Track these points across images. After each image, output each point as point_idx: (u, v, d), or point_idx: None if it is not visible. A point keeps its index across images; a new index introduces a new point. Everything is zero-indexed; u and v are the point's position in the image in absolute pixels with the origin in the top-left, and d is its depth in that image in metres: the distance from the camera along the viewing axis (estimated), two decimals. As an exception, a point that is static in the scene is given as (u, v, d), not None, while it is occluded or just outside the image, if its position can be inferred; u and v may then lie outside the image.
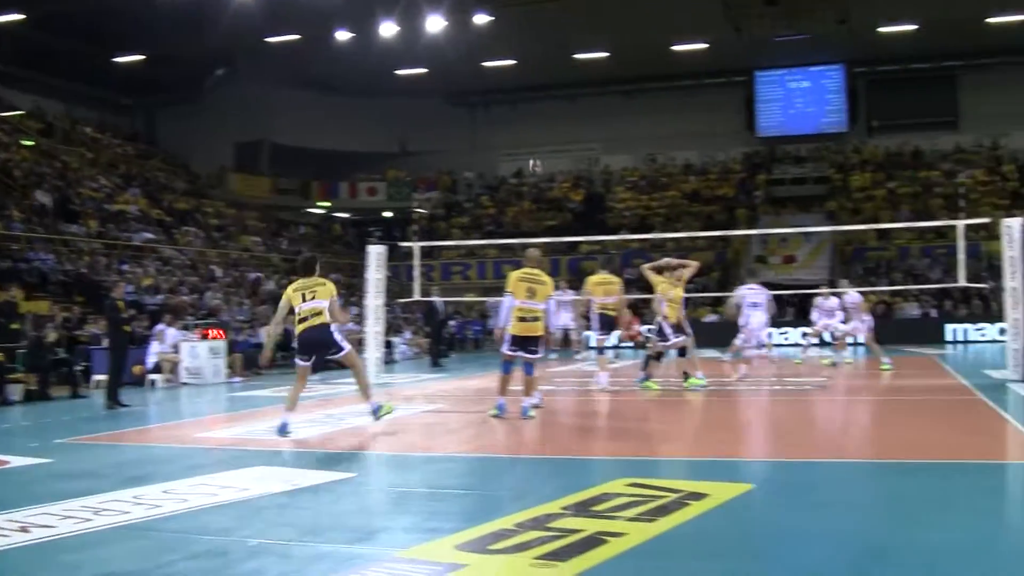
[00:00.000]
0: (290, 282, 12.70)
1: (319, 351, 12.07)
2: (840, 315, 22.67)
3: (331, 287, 11.99)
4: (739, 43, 43.53)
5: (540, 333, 13.09)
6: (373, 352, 21.36)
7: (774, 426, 13.13)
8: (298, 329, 11.88)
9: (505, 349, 13.19)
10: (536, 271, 13.22)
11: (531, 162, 28.97)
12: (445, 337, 32.60)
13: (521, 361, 13.23)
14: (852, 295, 22.39)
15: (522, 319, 12.92)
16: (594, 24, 41.64)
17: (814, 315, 23.51)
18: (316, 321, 11.67)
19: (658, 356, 18.01)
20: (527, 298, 12.91)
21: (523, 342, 13.03)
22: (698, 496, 7.50)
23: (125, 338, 18.51)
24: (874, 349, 22.37)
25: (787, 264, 40.16)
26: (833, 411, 13.99)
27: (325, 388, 19.82)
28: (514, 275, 13.24)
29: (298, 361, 12.07)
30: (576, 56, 44.44)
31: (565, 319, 26.11)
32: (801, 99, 49.23)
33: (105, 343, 22.49)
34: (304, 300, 11.75)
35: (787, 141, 49.87)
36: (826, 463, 9.67)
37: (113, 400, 16.76)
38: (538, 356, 13.30)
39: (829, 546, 6.36)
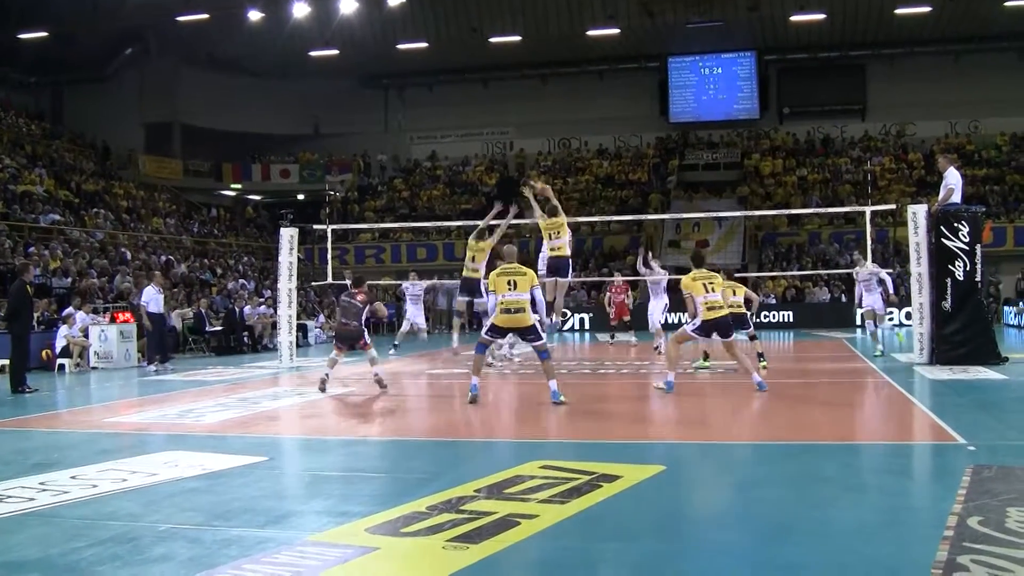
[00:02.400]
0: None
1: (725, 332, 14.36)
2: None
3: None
4: (652, 28, 43.89)
5: (529, 323, 13.18)
6: (286, 336, 21.22)
7: (686, 409, 13.26)
8: (708, 316, 13.91)
9: (484, 334, 13.50)
10: (515, 265, 13.39)
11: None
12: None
13: (534, 351, 13.54)
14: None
15: (506, 311, 13.04)
16: (507, 7, 41.72)
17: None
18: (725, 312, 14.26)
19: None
20: (509, 290, 13.04)
21: (513, 333, 13.53)
22: (610, 478, 7.57)
23: (30, 321, 18.18)
24: None
25: (700, 249, 40.49)
26: (744, 394, 14.16)
27: (237, 371, 19.66)
28: (493, 274, 13.49)
29: (699, 335, 14.40)
30: (490, 40, 44.35)
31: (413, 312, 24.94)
32: (714, 85, 49.68)
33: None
34: (707, 291, 14.02)
35: (700, 127, 50.42)
36: (736, 444, 9.81)
37: (19, 384, 16.44)
38: (542, 342, 13.36)
39: (738, 526, 6.47)
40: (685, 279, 14.56)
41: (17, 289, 17.45)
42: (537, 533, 6.07)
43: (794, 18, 42.06)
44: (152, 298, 21.68)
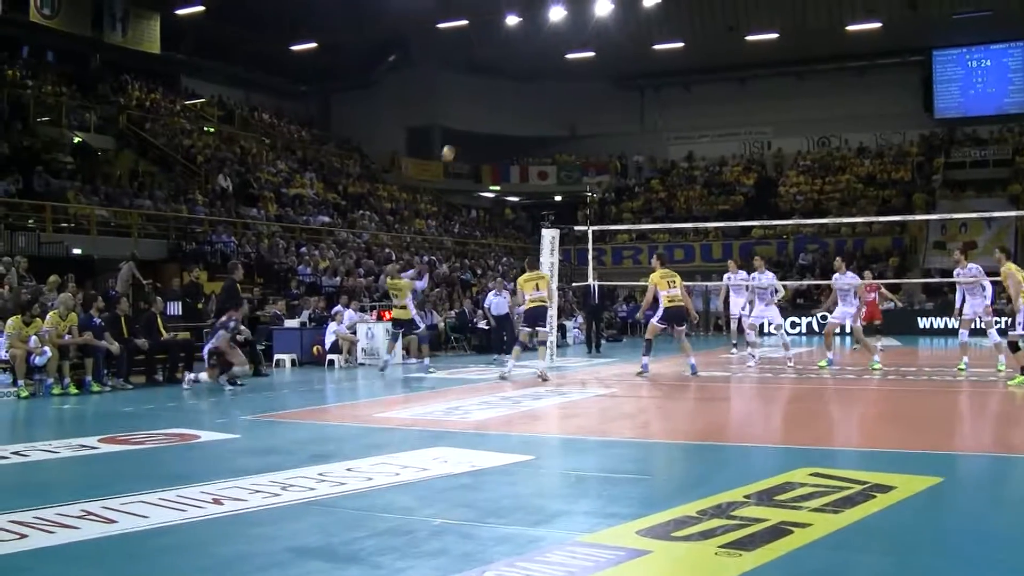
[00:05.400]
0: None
1: None
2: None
3: None
4: (915, 21, 42.33)
5: (409, 317, 20.08)
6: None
7: (957, 417, 12.72)
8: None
9: (393, 328, 20.87)
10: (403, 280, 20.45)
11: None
12: (616, 322, 32.71)
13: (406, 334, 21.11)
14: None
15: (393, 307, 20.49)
16: (764, 4, 41.02)
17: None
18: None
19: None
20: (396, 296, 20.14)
21: (398, 324, 20.41)
22: (884, 488, 7.28)
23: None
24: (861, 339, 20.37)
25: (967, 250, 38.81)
26: (1017, 404, 13.46)
27: (499, 370, 19.95)
28: (390, 282, 20.73)
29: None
30: (746, 38, 43.74)
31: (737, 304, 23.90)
32: (982, 78, 47.57)
33: (289, 323, 23.23)
34: None
35: (967, 123, 48.26)
36: (1018, 457, 9.32)
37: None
38: (420, 329, 20.93)
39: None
40: None
41: (227, 287, 18.44)
42: (811, 543, 5.89)
43: (1073, 3, 39.76)
44: (493, 301, 24.78)
